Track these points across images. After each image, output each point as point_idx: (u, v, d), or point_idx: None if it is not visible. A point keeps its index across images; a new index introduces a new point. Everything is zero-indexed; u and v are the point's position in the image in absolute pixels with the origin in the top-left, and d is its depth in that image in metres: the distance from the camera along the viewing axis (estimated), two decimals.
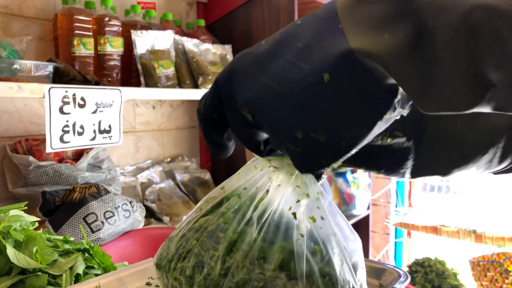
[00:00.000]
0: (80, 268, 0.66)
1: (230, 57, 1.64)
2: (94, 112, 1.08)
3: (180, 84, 1.42)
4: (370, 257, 2.38)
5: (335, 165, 0.32)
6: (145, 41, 1.35)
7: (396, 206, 2.54)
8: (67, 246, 0.71)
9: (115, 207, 1.14)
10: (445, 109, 0.27)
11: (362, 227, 2.24)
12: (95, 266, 0.71)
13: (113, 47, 1.25)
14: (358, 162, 0.39)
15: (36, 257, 0.64)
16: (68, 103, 1.01)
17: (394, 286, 0.50)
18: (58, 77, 1.08)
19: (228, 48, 1.65)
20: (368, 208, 2.22)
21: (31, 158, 1.12)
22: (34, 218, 0.72)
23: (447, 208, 2.41)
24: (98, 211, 1.10)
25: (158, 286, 0.46)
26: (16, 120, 1.24)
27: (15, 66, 0.98)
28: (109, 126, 1.12)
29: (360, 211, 2.13)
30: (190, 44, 1.49)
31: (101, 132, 1.11)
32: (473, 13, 0.24)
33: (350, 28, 0.29)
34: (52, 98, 0.97)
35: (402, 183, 2.58)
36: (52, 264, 0.66)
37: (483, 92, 0.25)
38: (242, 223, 0.36)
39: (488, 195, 2.38)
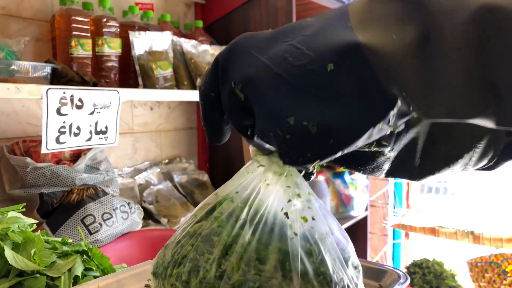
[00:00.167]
0: (79, 270, 0.66)
1: None
2: (92, 113, 1.07)
3: (178, 85, 1.42)
4: (368, 259, 2.38)
5: (317, 163, 0.31)
6: (143, 42, 1.34)
7: (394, 208, 2.55)
8: (65, 248, 0.70)
9: (113, 209, 1.14)
10: (446, 116, 0.26)
11: (360, 228, 2.24)
12: (94, 268, 0.70)
13: (111, 48, 1.25)
14: (339, 161, 0.37)
15: (35, 259, 0.64)
16: (65, 104, 1.00)
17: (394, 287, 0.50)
18: (56, 78, 1.07)
19: None
20: (366, 209, 2.22)
21: (28, 159, 1.11)
22: (32, 220, 0.71)
23: (445, 210, 2.41)
24: (96, 212, 1.09)
25: None
26: (14, 121, 1.24)
27: (12, 67, 0.98)
28: (106, 127, 1.12)
29: (358, 213, 2.13)
30: (188, 45, 1.49)
31: (97, 133, 1.10)
32: (481, 13, 0.23)
33: (359, 26, 0.28)
34: (50, 99, 0.96)
35: (400, 185, 2.58)
36: (51, 266, 0.65)
37: (489, 101, 0.24)
38: (236, 225, 0.36)
39: (486, 197, 2.39)
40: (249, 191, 0.38)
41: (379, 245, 2.63)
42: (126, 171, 1.54)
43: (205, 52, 1.52)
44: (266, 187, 0.37)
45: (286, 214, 0.36)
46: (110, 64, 1.27)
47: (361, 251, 2.26)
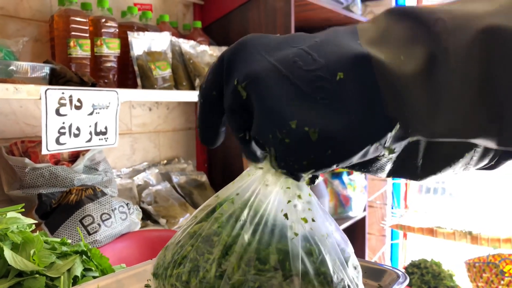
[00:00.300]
0: (78, 270, 0.66)
1: None
2: (91, 113, 1.07)
3: (176, 85, 1.42)
4: (367, 259, 2.38)
5: (310, 174, 0.31)
6: (141, 43, 1.34)
7: (392, 208, 2.55)
8: (64, 248, 0.70)
9: (112, 209, 1.13)
10: (448, 136, 0.26)
11: (358, 229, 2.24)
12: (93, 269, 0.70)
13: (110, 48, 1.25)
14: None
15: (34, 260, 0.64)
16: (64, 104, 1.00)
17: (393, 287, 0.51)
18: (55, 79, 1.07)
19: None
20: (364, 210, 2.23)
21: (27, 160, 1.11)
22: (31, 221, 0.71)
23: (443, 210, 2.42)
24: (95, 213, 1.09)
25: None
26: (12, 122, 1.24)
27: (11, 67, 0.98)
28: (105, 128, 1.12)
29: (356, 213, 2.13)
30: (186, 45, 1.49)
31: (97, 134, 1.10)
32: (484, 34, 0.23)
33: (367, 44, 0.28)
34: (48, 100, 0.96)
35: (398, 185, 2.59)
36: (50, 266, 0.65)
37: (492, 122, 0.24)
38: (236, 226, 0.36)
39: (483, 197, 2.39)
40: (249, 192, 0.38)
41: (377, 246, 2.64)
42: (124, 172, 1.54)
43: (204, 52, 1.53)
44: (265, 188, 0.37)
45: (285, 215, 0.36)
46: (108, 64, 1.27)
47: (359, 252, 2.26)
